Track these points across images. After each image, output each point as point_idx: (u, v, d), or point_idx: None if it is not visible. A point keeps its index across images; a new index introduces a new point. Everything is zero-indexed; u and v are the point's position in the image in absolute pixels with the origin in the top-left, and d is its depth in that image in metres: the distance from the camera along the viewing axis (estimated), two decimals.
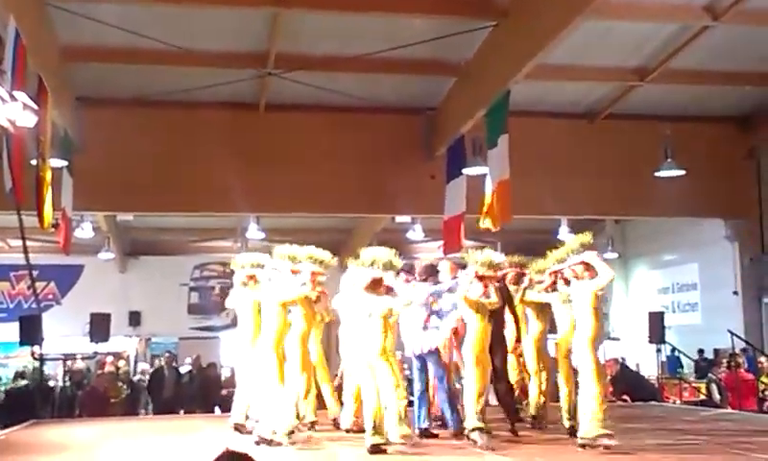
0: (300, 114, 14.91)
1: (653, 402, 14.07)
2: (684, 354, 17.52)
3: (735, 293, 16.54)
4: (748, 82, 14.45)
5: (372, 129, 15.03)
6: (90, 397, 14.64)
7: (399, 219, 18.30)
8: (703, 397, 15.32)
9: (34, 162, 10.68)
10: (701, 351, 17.06)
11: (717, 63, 13.60)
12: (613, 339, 21.39)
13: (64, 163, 12.70)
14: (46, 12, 11.03)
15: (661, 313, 17.10)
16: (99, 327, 15.99)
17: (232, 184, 14.31)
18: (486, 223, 12.57)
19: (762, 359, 14.68)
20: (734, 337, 14.46)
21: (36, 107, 8.18)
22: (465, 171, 13.62)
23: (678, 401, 15.10)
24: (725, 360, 14.98)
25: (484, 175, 12.67)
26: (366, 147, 14.98)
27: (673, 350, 17.47)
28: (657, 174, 14.44)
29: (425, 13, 11.71)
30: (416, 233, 18.99)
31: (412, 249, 22.04)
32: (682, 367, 17.96)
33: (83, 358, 18.56)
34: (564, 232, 19.48)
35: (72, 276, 22.50)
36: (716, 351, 16.18)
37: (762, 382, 14.21)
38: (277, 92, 14.09)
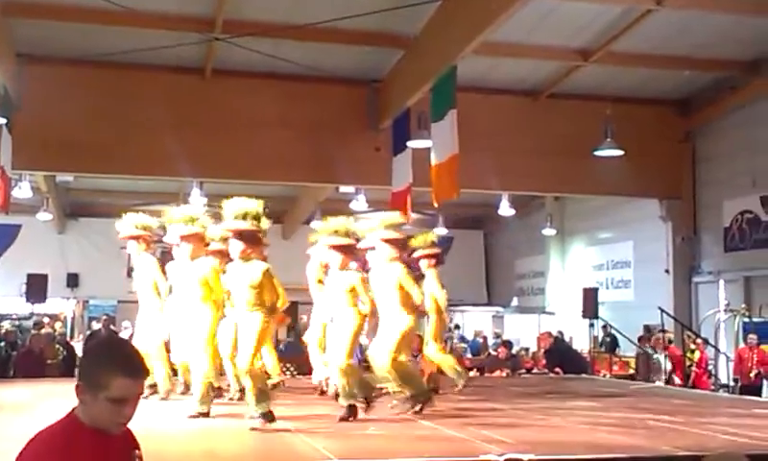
0: (246, 81, 14.84)
1: (584, 375, 14.51)
2: (618, 331, 17.97)
3: (667, 271, 17.03)
4: (687, 66, 14.81)
5: (318, 98, 15.03)
6: (25, 358, 14.46)
7: (343, 189, 18.36)
8: (632, 371, 15.83)
9: None
10: (604, 327, 17.66)
11: (658, 47, 13.91)
12: (548, 313, 21.86)
13: (3, 121, 12.45)
14: None
15: (596, 289, 17.54)
16: (36, 287, 15.82)
17: (176, 148, 14.22)
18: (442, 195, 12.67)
19: (689, 335, 15.20)
20: (664, 314, 14.92)
21: None
22: (409, 144, 13.74)
23: (608, 375, 15.56)
24: (653, 336, 15.46)
25: (430, 148, 12.80)
26: (311, 116, 14.98)
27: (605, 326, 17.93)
28: (596, 153, 14.75)
29: None
30: (359, 204, 19.06)
31: (355, 219, 22.14)
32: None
33: (18, 319, 18.32)
34: (504, 208, 19.81)
35: (9, 235, 22.07)
36: (647, 327, 16.66)
37: (689, 358, 14.72)
38: (224, 58, 14.00)
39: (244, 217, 7.30)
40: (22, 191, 16.60)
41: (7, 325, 17.73)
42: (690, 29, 13.26)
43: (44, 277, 16.10)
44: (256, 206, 7.42)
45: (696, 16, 12.87)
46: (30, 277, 16.08)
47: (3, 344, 15.55)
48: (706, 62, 14.69)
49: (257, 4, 12.40)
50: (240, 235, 7.26)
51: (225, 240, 8.07)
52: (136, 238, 9.49)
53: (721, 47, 14.00)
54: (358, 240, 8.33)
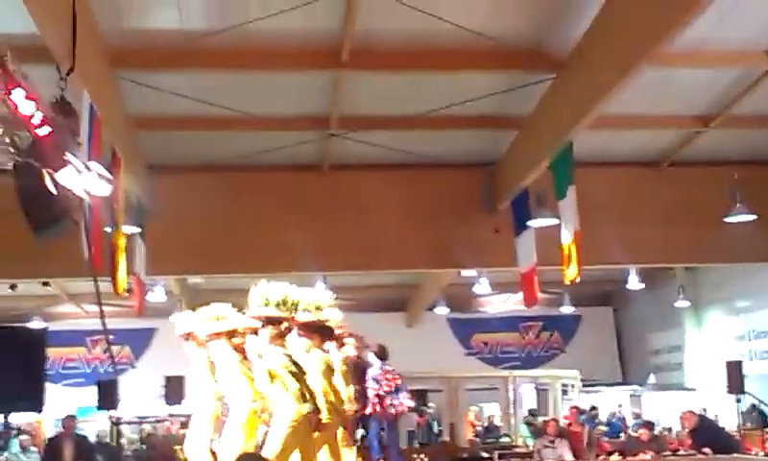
0: (362, 173, 15.12)
1: (735, 455, 13.66)
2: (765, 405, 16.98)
3: None
4: None
5: (434, 184, 15.14)
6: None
7: (465, 273, 18.29)
8: None
9: (108, 230, 11.02)
10: (753, 406, 16.56)
11: None
12: (688, 390, 20.85)
13: (137, 230, 13.06)
14: (116, 84, 11.46)
15: (739, 362, 16.63)
16: (173, 389, 16.26)
17: (298, 244, 14.53)
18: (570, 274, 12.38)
19: None
20: None
21: (110, 176, 8.48)
22: (530, 224, 13.60)
23: (761, 453, 14.61)
24: None
25: (551, 226, 12.65)
26: (428, 203, 15.09)
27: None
28: (727, 220, 14.18)
29: (485, 69, 11.81)
30: (482, 287, 18.96)
31: (479, 302, 22.00)
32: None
33: (158, 421, 18.79)
34: (633, 281, 19.25)
35: (146, 339, 22.99)
36: None
37: None
38: (340, 152, 14.33)
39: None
40: (156, 295, 17.30)
41: (147, 427, 18.23)
42: None
43: (181, 378, 16.55)
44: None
45: None
46: (167, 378, 16.55)
47: (145, 447, 15.99)
48: None
49: (370, 98, 12.66)
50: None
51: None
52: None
53: None
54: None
